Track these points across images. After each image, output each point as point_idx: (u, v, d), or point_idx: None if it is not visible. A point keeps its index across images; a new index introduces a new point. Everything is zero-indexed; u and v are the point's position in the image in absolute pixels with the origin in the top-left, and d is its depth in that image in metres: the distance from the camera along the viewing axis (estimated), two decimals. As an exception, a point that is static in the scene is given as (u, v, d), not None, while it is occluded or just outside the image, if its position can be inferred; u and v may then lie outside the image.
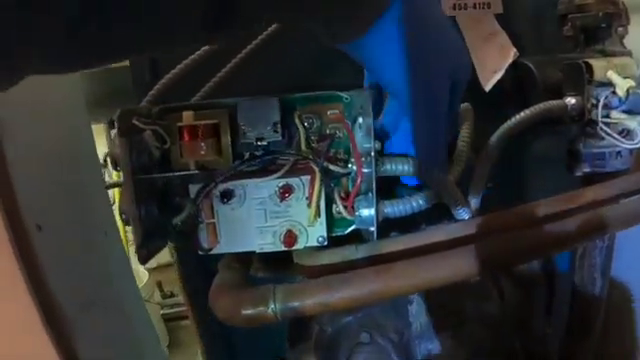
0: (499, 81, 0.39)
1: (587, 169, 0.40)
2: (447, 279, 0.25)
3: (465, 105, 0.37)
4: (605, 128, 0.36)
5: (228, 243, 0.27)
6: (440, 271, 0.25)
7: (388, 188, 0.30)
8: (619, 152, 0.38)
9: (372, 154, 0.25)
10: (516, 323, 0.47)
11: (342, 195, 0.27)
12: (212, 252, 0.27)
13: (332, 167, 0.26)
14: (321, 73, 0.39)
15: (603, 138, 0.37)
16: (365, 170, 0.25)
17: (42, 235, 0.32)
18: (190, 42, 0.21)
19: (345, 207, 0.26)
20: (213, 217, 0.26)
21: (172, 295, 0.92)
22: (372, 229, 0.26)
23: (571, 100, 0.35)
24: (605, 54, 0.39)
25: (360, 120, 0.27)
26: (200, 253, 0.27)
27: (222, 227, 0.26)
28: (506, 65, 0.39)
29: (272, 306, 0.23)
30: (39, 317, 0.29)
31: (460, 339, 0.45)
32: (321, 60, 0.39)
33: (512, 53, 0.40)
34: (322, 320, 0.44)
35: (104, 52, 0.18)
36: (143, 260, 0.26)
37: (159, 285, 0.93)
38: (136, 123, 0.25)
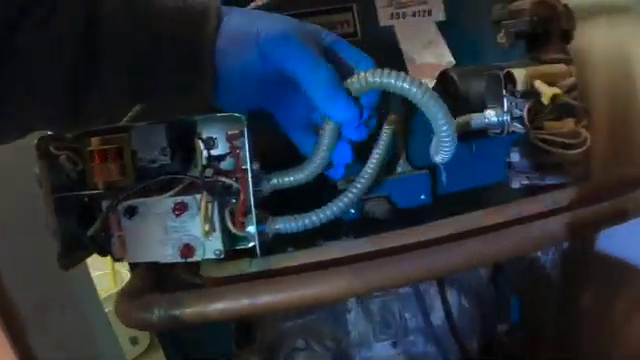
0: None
1: (525, 181, 0.40)
2: (320, 298, 0.27)
3: (394, 116, 0.38)
4: (544, 139, 0.37)
5: (135, 254, 0.30)
6: (313, 289, 0.27)
7: (317, 194, 0.32)
8: (558, 164, 0.38)
9: (249, 175, 0.28)
10: (469, 330, 0.48)
11: (234, 212, 0.30)
12: (124, 261, 0.31)
13: (227, 186, 0.29)
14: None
15: (540, 150, 0.37)
16: (248, 189, 0.28)
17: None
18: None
19: (234, 224, 0.29)
20: (121, 230, 0.30)
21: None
22: (254, 245, 0.29)
23: (490, 112, 0.36)
24: (540, 61, 0.39)
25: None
26: (115, 262, 0.31)
27: (129, 239, 0.30)
28: (437, 74, 0.40)
29: (156, 313, 0.27)
30: None
31: (402, 349, 0.46)
32: None
33: (446, 62, 0.41)
34: (264, 325, 0.47)
35: None
36: (64, 267, 0.31)
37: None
38: (51, 150, 0.30)
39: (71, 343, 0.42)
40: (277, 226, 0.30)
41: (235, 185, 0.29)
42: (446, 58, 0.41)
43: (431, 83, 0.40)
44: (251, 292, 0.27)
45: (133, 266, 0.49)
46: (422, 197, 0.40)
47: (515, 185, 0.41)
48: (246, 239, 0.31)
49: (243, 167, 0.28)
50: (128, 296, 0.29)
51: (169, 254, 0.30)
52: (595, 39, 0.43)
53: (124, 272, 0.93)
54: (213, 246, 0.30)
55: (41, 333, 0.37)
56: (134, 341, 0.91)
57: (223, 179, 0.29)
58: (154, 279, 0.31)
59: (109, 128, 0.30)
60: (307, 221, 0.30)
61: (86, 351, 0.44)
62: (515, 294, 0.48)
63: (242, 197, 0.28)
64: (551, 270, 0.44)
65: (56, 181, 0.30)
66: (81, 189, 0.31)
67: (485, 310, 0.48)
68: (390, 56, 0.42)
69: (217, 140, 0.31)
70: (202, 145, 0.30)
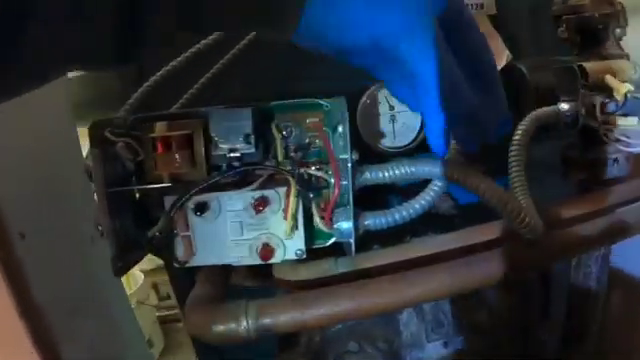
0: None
1: (584, 176, 0.38)
2: (422, 297, 0.24)
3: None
4: (610, 134, 0.35)
5: (204, 256, 0.26)
6: (415, 289, 0.24)
7: (382, 197, 0.29)
8: (616, 159, 0.37)
9: (349, 165, 0.24)
10: (513, 330, 0.46)
11: (321, 207, 0.26)
12: (188, 265, 0.26)
13: (309, 179, 0.25)
14: (303, 79, 0.38)
15: (601, 144, 0.36)
16: (343, 182, 0.24)
17: (25, 243, 0.31)
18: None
19: (322, 219, 0.25)
20: (188, 230, 0.25)
21: (168, 297, 0.92)
22: (350, 242, 0.25)
23: (564, 106, 0.33)
24: (601, 57, 0.37)
25: (340, 129, 0.26)
26: (176, 266, 0.26)
27: (197, 240, 0.25)
28: (499, 67, 0.37)
29: (244, 323, 0.22)
30: (23, 327, 0.29)
31: (453, 348, 0.44)
32: (303, 66, 0.38)
33: (505, 56, 0.38)
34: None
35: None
36: (118, 273, 0.26)
37: (155, 287, 0.93)
38: (107, 135, 0.24)
39: (101, 350, 0.36)
40: (367, 222, 0.26)
41: (324, 177, 0.25)
42: (503, 52, 0.39)
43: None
44: (354, 294, 0.23)
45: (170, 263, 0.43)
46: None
47: (572, 181, 0.39)
48: (325, 236, 0.27)
49: (342, 156, 0.24)
50: (202, 305, 0.24)
51: (245, 256, 0.25)
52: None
53: (137, 274, 0.85)
54: (295, 245, 0.25)
55: (70, 341, 0.32)
56: (149, 344, 0.83)
57: (312, 171, 0.25)
58: (225, 285, 0.26)
59: (177, 113, 0.25)
60: (397, 216, 0.26)
61: (116, 358, 0.38)
62: (562, 294, 0.46)
63: (335, 190, 0.24)
64: (598, 273, 0.43)
65: (110, 173, 0.25)
66: (138, 183, 0.25)
67: (530, 308, 0.46)
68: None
69: (292, 128, 0.27)
70: (280, 133, 0.26)
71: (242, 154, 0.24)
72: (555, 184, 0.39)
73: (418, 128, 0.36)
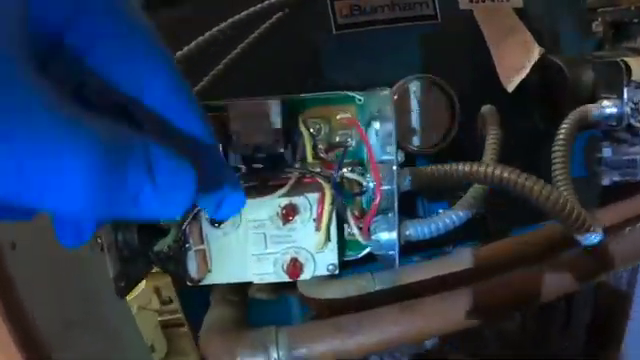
0: (522, 81, 0.34)
1: (616, 177, 0.35)
2: (479, 317, 0.20)
3: (488, 108, 0.31)
4: None
5: (221, 273, 0.21)
6: (471, 309, 0.20)
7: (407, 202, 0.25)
8: (654, 160, 0.33)
9: (394, 167, 0.20)
10: (536, 338, 0.42)
11: (356, 214, 0.22)
12: (202, 283, 0.22)
13: (346, 183, 0.21)
14: (325, 71, 0.34)
15: (635, 144, 0.32)
16: (385, 187, 0.20)
17: (16, 254, 0.26)
18: None
19: (360, 229, 0.21)
20: (203, 243, 0.21)
21: (170, 301, 0.87)
22: (392, 254, 0.21)
23: (607, 103, 0.30)
24: (637, 52, 0.34)
25: (377, 126, 0.22)
26: (189, 284, 0.22)
27: (213, 254, 0.21)
28: (531, 63, 0.34)
29: (274, 355, 0.18)
30: (14, 343, 0.24)
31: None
32: (334, 49, 0.34)
33: (537, 50, 0.34)
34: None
35: None
36: (120, 293, 0.21)
37: (157, 291, 0.88)
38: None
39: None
40: (408, 231, 0.22)
41: (362, 181, 0.21)
42: (533, 46, 0.35)
43: (524, 72, 0.34)
44: (400, 319, 0.18)
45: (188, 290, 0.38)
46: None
47: (605, 182, 0.35)
48: (358, 247, 0.22)
49: (385, 157, 0.20)
50: (221, 332, 0.19)
51: (268, 273, 0.21)
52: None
53: None
54: (327, 259, 0.21)
55: (67, 355, 0.27)
56: (152, 349, 0.77)
57: (349, 174, 0.20)
58: (246, 306, 0.22)
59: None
60: (441, 224, 0.22)
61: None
62: (585, 300, 0.43)
63: (377, 196, 0.20)
64: (629, 276, 0.39)
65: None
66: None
67: (553, 315, 0.43)
68: (473, 41, 0.36)
69: (321, 125, 0.22)
70: (307, 131, 0.21)
71: (268, 154, 0.19)
72: (580, 187, 0.36)
73: (447, 127, 0.32)
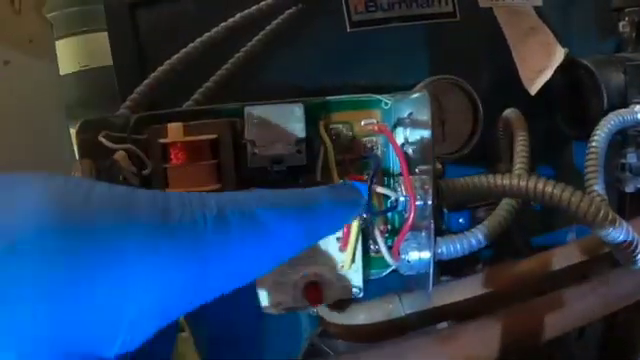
0: (546, 83, 0.31)
1: (641, 185, 0.32)
2: (527, 340, 0.17)
3: (512, 111, 0.29)
4: None
5: (233, 298, 0.18)
6: (521, 332, 0.17)
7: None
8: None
9: (429, 179, 0.17)
10: (549, 346, 0.40)
11: (381, 229, 0.19)
12: (211, 309, 0.19)
13: (375, 197, 0.18)
14: (338, 71, 0.31)
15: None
16: (419, 202, 0.17)
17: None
18: None
19: (389, 249, 0.18)
20: (212, 265, 0.18)
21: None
22: (426, 275, 0.18)
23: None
24: (668, 53, 0.31)
25: (407, 132, 0.19)
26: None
27: (224, 278, 0.18)
28: (554, 65, 0.31)
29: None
30: None
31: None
32: (348, 48, 0.31)
33: (561, 51, 0.32)
34: (338, 349, 0.36)
35: None
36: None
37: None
38: (102, 141, 0.17)
39: None
40: (440, 249, 0.19)
41: (393, 195, 0.18)
42: (556, 46, 0.32)
43: (547, 73, 0.31)
44: (440, 350, 0.16)
45: None
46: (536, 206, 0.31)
47: (629, 189, 0.33)
48: (381, 265, 0.20)
49: (421, 167, 0.17)
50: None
51: (286, 300, 0.18)
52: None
53: None
54: (350, 283, 0.18)
55: None
56: None
57: (379, 188, 0.17)
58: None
59: (197, 109, 0.17)
60: (474, 241, 0.20)
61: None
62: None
63: (411, 213, 0.17)
64: None
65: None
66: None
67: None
68: (493, 40, 0.33)
69: (343, 131, 0.19)
70: (330, 139, 0.19)
71: (289, 167, 0.17)
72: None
73: (470, 132, 0.30)
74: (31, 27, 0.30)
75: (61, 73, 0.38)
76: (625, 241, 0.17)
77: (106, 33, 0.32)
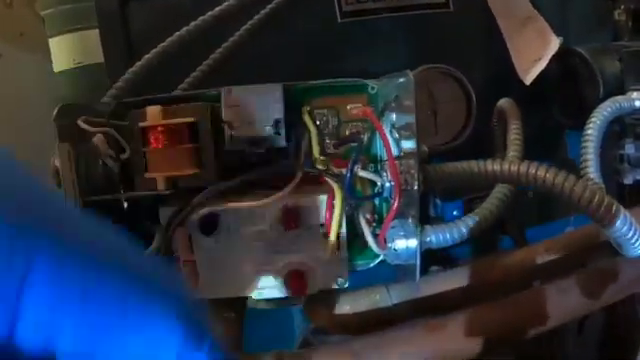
0: (541, 73, 0.30)
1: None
2: (526, 330, 0.16)
3: (506, 101, 0.28)
4: None
5: (212, 287, 0.18)
6: (522, 320, 0.16)
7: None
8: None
9: (415, 164, 0.16)
10: (549, 342, 0.39)
11: (368, 218, 0.18)
12: (192, 299, 0.18)
13: (358, 184, 0.17)
14: (329, 61, 0.30)
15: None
16: (405, 187, 0.17)
17: None
18: None
19: (375, 237, 0.17)
20: (192, 253, 0.17)
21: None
22: (411, 265, 0.18)
23: (638, 95, 0.27)
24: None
25: (393, 117, 0.18)
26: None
27: (204, 267, 0.17)
28: (550, 53, 0.30)
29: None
30: None
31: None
32: (338, 38, 0.30)
33: (555, 40, 0.31)
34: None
35: None
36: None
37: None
38: (81, 125, 0.16)
39: None
40: (429, 238, 0.18)
41: (377, 180, 0.17)
42: (551, 36, 0.32)
43: (542, 63, 0.30)
44: (431, 340, 0.15)
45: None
46: (529, 193, 0.31)
47: (628, 181, 0.32)
48: (369, 256, 0.19)
49: (406, 150, 0.16)
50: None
51: (269, 287, 0.18)
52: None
53: None
54: (335, 272, 0.18)
55: None
56: None
57: (362, 172, 0.17)
58: (242, 324, 0.18)
59: (176, 96, 0.17)
60: (464, 229, 0.19)
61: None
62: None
63: (396, 199, 0.16)
64: None
65: (86, 177, 0.17)
66: (126, 189, 0.17)
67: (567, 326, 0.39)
68: (487, 30, 0.32)
69: (328, 117, 0.19)
70: (313, 124, 0.18)
71: (268, 148, 0.16)
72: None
73: (463, 123, 0.29)
74: (22, 21, 0.30)
75: (55, 70, 0.38)
76: (623, 227, 0.16)
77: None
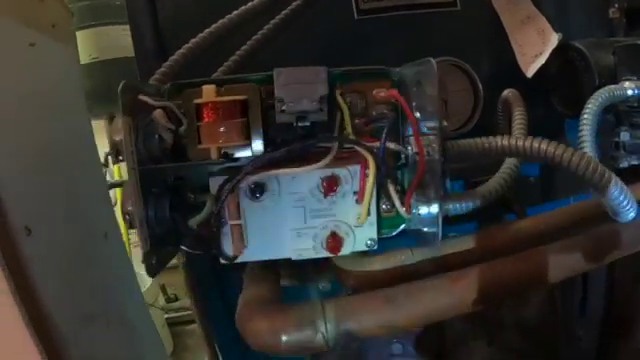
0: (542, 66, 0.34)
1: (635, 161, 0.35)
2: (534, 283, 0.19)
3: (510, 91, 0.31)
4: None
5: (258, 249, 0.20)
6: (528, 274, 0.19)
7: None
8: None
9: (437, 138, 0.19)
10: (553, 326, 0.42)
11: (397, 188, 0.21)
12: (238, 260, 0.21)
13: (382, 155, 0.20)
14: (346, 56, 0.33)
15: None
16: (427, 158, 0.20)
17: (32, 239, 0.25)
18: None
19: (402, 203, 0.20)
20: (240, 217, 0.20)
21: (177, 299, 0.85)
22: (434, 230, 0.20)
23: (630, 85, 0.30)
24: (654, 37, 0.34)
25: (414, 99, 0.21)
26: (223, 262, 0.21)
27: (251, 230, 0.20)
28: (550, 49, 0.34)
29: (322, 329, 0.17)
30: (30, 335, 0.23)
31: (498, 347, 0.39)
32: (355, 34, 0.33)
33: (555, 36, 0.35)
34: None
35: None
36: (152, 272, 0.20)
37: (163, 288, 0.86)
38: (143, 99, 0.19)
39: (117, 356, 0.30)
40: (447, 206, 0.21)
41: (405, 152, 0.20)
42: (551, 33, 0.35)
43: (542, 58, 0.34)
44: (453, 288, 0.18)
45: (193, 262, 0.37)
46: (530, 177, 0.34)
47: (623, 165, 0.35)
48: (393, 223, 0.22)
49: (431, 124, 0.19)
50: (263, 310, 0.18)
51: (308, 248, 0.20)
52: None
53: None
54: (366, 234, 0.21)
55: (84, 352, 0.26)
56: None
57: (392, 145, 0.20)
58: (279, 284, 0.21)
59: (228, 78, 0.20)
60: (478, 200, 0.22)
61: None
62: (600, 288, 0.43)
63: (420, 168, 0.19)
64: None
65: (144, 147, 0.19)
66: (179, 160, 0.20)
67: (568, 303, 0.42)
68: (492, 28, 0.36)
69: (358, 100, 0.22)
70: (346, 104, 0.21)
71: (312, 122, 0.19)
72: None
73: (471, 111, 0.32)
74: (54, 13, 0.32)
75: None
76: (615, 191, 0.19)
77: (115, 27, 0.34)
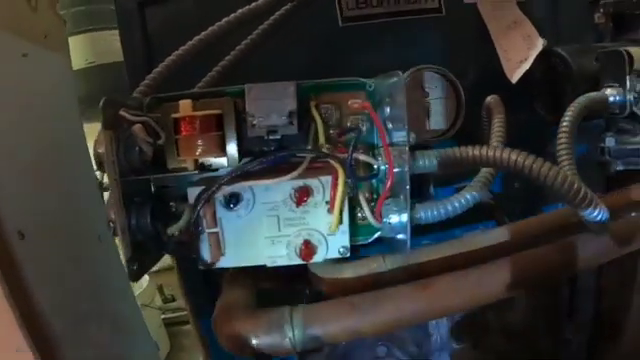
0: (527, 71, 0.34)
1: (620, 167, 0.35)
2: (497, 294, 0.20)
3: (492, 97, 0.32)
4: None
5: (234, 256, 0.21)
6: (490, 286, 0.20)
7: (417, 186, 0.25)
8: (656, 149, 0.34)
9: (406, 149, 0.20)
10: (540, 330, 0.42)
11: (367, 197, 0.22)
12: (215, 267, 0.22)
13: (361, 168, 0.21)
14: (334, 61, 0.34)
15: (637, 134, 0.33)
16: (397, 169, 0.20)
17: (25, 244, 0.26)
18: None
19: (372, 212, 0.21)
20: (216, 226, 0.21)
21: (173, 299, 0.87)
22: (403, 238, 0.21)
23: (612, 92, 0.30)
24: (635, 43, 0.34)
25: (387, 110, 0.22)
26: (201, 268, 0.22)
27: (227, 237, 0.21)
28: (534, 55, 0.34)
29: (290, 334, 0.18)
30: (24, 337, 0.24)
31: (482, 350, 0.40)
32: (339, 42, 0.34)
33: (540, 42, 0.35)
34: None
35: None
36: (134, 277, 0.21)
37: (160, 289, 0.88)
38: (123, 114, 0.20)
39: (108, 357, 0.31)
40: (418, 215, 0.22)
41: (374, 163, 0.21)
42: (536, 38, 0.36)
43: (527, 64, 0.34)
44: (418, 297, 0.19)
45: (185, 266, 0.38)
46: (515, 184, 0.34)
47: (610, 171, 0.36)
48: (368, 232, 0.23)
49: (395, 141, 0.20)
50: (236, 314, 0.19)
51: (281, 255, 0.21)
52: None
53: None
54: (338, 242, 0.21)
55: (77, 353, 0.27)
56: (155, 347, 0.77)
57: (362, 156, 0.21)
58: (255, 290, 0.22)
59: (203, 92, 0.21)
60: (450, 208, 0.23)
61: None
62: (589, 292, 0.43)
63: (389, 179, 0.20)
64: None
65: (125, 159, 0.20)
66: (158, 171, 0.21)
67: (556, 308, 0.43)
68: (477, 35, 0.36)
69: (332, 110, 0.23)
70: (319, 116, 0.22)
71: (283, 136, 0.20)
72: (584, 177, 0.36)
73: (453, 116, 0.33)
74: (46, 23, 0.33)
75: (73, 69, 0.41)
76: (593, 213, 0.20)
77: (111, 31, 0.35)
